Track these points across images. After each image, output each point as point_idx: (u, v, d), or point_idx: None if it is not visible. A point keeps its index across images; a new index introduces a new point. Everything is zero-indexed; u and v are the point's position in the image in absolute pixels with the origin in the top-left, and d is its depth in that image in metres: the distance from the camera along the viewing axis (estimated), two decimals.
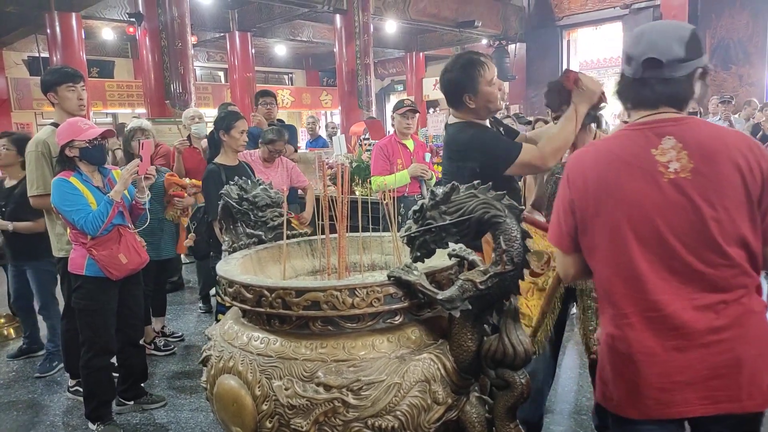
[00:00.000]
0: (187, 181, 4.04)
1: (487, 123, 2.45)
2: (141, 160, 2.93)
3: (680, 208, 1.36)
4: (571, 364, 3.75)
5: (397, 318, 1.60)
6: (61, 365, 3.75)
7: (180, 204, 3.94)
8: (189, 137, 5.24)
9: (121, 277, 2.94)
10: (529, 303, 2.36)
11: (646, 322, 1.39)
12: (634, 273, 1.40)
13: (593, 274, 1.52)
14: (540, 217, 2.59)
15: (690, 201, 1.36)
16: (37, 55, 11.81)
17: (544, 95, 2.35)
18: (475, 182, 1.55)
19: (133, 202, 3.06)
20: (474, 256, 1.61)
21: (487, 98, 2.32)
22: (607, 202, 1.43)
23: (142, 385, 3.37)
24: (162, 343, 4.19)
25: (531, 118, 5.50)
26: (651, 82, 1.44)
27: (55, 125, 3.20)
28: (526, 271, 2.35)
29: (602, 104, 2.28)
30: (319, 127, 9.40)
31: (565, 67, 13.51)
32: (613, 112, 9.72)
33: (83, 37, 9.74)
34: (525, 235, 1.50)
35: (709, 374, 1.36)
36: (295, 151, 5.64)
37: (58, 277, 3.44)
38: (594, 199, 1.45)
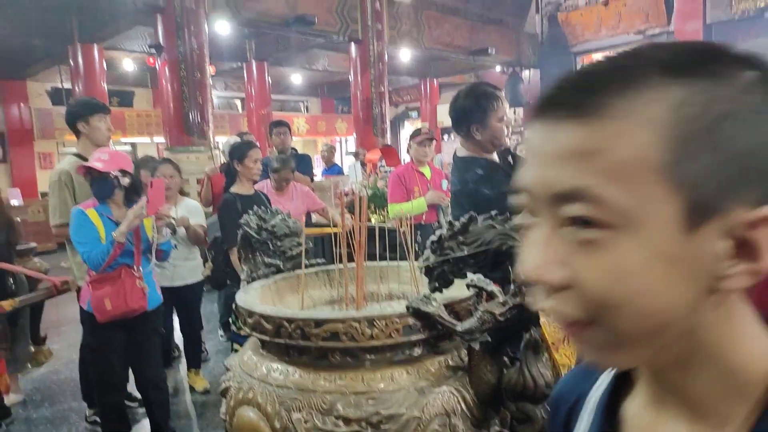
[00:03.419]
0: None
1: (495, 156, 2.44)
2: (148, 200, 2.70)
3: None
4: None
5: (416, 349, 1.59)
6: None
7: None
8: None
9: (104, 321, 2.74)
10: (566, 353, 2.33)
11: None
12: None
13: None
14: None
15: None
16: (59, 86, 12.11)
17: None
18: (493, 212, 1.55)
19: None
20: (492, 287, 1.61)
21: (494, 134, 2.32)
22: None
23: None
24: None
25: None
26: None
27: (77, 156, 3.25)
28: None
29: None
30: (334, 155, 9.47)
31: None
32: None
33: (105, 68, 9.99)
34: None
35: None
36: (312, 180, 5.68)
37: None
38: None
